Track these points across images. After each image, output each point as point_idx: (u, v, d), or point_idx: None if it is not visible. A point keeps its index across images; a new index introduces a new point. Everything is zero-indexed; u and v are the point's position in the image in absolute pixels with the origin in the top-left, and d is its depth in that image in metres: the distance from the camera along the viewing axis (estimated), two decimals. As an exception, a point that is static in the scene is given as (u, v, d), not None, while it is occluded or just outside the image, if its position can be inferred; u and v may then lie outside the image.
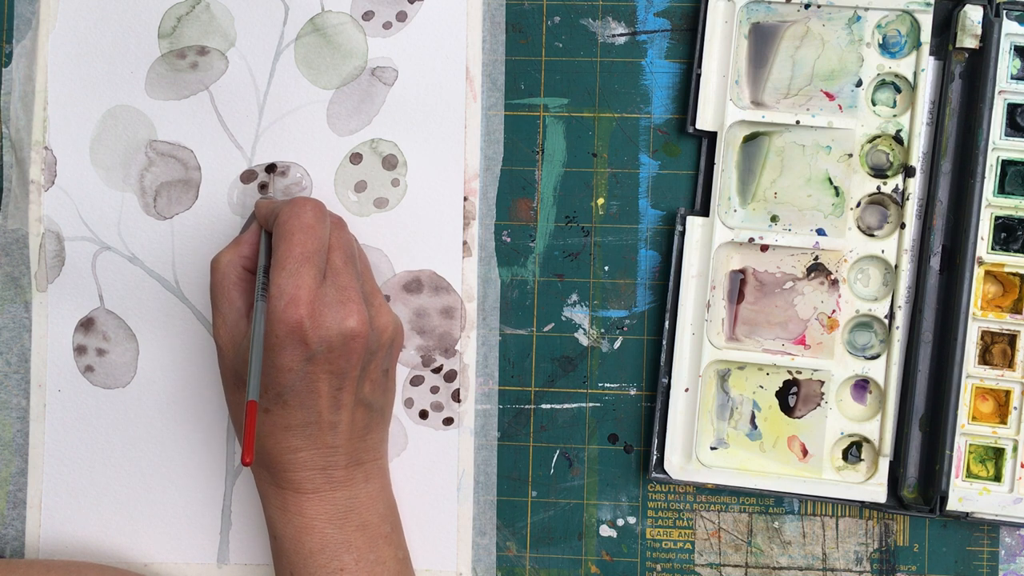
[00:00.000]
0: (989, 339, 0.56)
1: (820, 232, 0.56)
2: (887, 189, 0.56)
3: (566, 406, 0.58)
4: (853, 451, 0.57)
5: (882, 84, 0.56)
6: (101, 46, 0.58)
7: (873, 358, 0.56)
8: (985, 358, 0.56)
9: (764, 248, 0.57)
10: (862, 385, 0.57)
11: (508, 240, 0.58)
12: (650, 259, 0.58)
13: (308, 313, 0.49)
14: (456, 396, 0.58)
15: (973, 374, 0.55)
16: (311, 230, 0.50)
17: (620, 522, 0.58)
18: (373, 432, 0.53)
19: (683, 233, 0.57)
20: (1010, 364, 0.56)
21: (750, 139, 0.57)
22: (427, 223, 0.58)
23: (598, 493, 0.58)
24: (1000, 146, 0.55)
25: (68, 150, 0.58)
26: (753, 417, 0.57)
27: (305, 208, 0.51)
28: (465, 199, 0.58)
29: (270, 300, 0.49)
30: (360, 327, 0.50)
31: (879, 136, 0.56)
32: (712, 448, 0.57)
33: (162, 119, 0.58)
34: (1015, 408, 0.55)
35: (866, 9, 0.55)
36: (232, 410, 0.53)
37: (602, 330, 0.58)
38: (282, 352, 0.49)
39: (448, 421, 0.58)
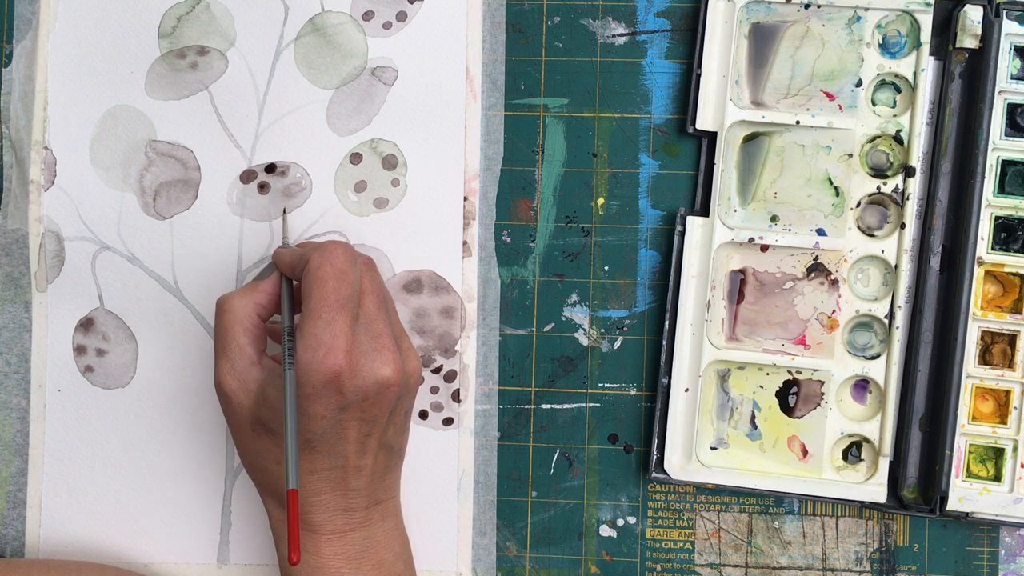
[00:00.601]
0: (989, 339, 0.56)
1: (820, 232, 0.56)
2: (887, 189, 0.56)
3: (566, 406, 0.58)
4: (853, 451, 0.57)
5: (882, 84, 0.56)
6: (101, 46, 0.58)
7: (873, 358, 0.56)
8: (985, 358, 0.56)
9: (764, 248, 0.57)
10: (862, 385, 0.57)
11: (508, 240, 0.58)
12: (650, 259, 0.58)
13: (346, 363, 0.48)
14: (456, 396, 0.58)
15: (973, 374, 0.55)
16: (344, 276, 0.49)
17: (620, 522, 0.58)
18: (391, 472, 0.53)
19: (683, 233, 0.57)
20: (1010, 364, 0.56)
21: (750, 139, 0.57)
22: (427, 223, 0.58)
23: (598, 493, 0.58)
24: (1000, 146, 0.55)
25: (68, 150, 0.58)
26: (753, 417, 0.57)
27: (336, 253, 0.49)
28: (465, 199, 0.58)
29: (305, 350, 0.47)
30: (395, 376, 0.49)
31: (879, 136, 0.56)
32: (712, 448, 0.57)
33: (162, 119, 0.58)
34: (1015, 408, 0.55)
35: (866, 9, 0.55)
36: (247, 455, 0.51)
37: (602, 330, 0.58)
38: (316, 401, 0.48)
39: (448, 421, 0.58)
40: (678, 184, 0.58)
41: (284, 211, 0.57)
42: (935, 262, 0.56)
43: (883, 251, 0.56)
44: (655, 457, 0.57)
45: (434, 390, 0.58)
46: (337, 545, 0.50)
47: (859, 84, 0.56)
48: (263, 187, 0.58)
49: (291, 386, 0.48)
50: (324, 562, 0.50)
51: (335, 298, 0.48)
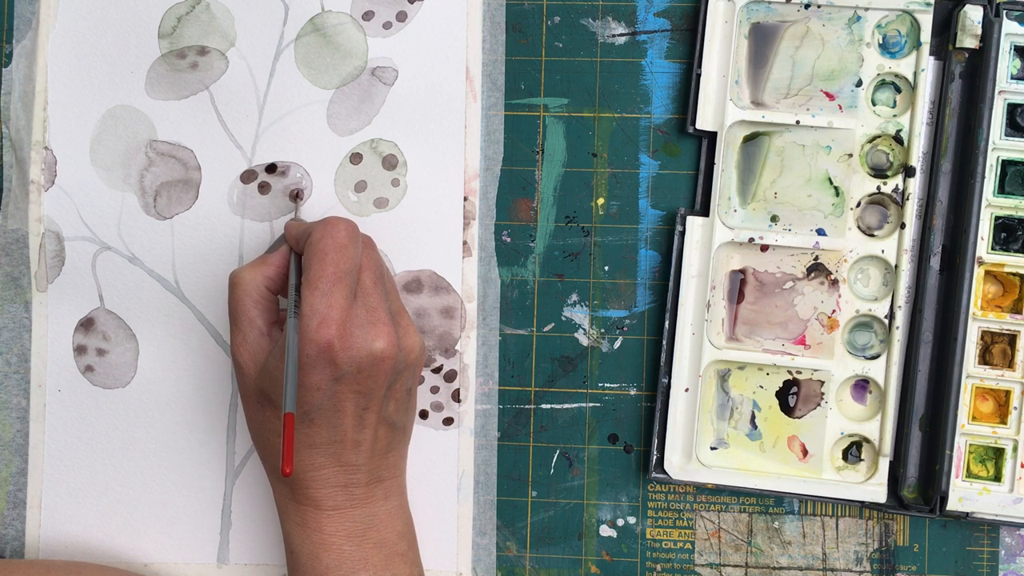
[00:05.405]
0: (989, 339, 0.56)
1: (820, 232, 0.56)
2: (887, 189, 0.56)
3: (566, 406, 0.58)
4: (853, 451, 0.57)
5: (882, 84, 0.56)
6: (101, 46, 0.58)
7: (873, 358, 0.56)
8: (985, 358, 0.56)
9: (764, 248, 0.57)
10: (862, 385, 0.57)
11: (508, 240, 0.58)
12: (650, 259, 0.58)
13: (338, 334, 0.49)
14: (456, 396, 0.58)
15: (973, 374, 0.55)
16: (344, 250, 0.50)
17: (620, 522, 0.58)
18: (394, 450, 0.53)
19: (683, 233, 0.57)
20: (1010, 364, 0.56)
21: (750, 139, 0.57)
22: (427, 223, 0.58)
23: (598, 493, 0.58)
24: (1000, 146, 0.55)
25: (68, 150, 0.58)
26: (753, 417, 0.57)
27: (339, 228, 0.50)
28: (465, 199, 0.58)
29: (302, 319, 0.49)
30: (389, 349, 0.50)
31: (879, 136, 0.56)
32: (712, 448, 0.57)
33: (162, 119, 0.58)
34: (1015, 408, 0.55)
35: (866, 9, 0.55)
36: (253, 427, 0.53)
37: (602, 330, 0.58)
38: (311, 371, 0.49)
39: (448, 421, 0.58)
40: (678, 184, 0.58)
41: (299, 194, 0.58)
42: (935, 262, 0.56)
43: (883, 251, 0.56)
44: (655, 457, 0.57)
45: (434, 390, 0.58)
46: (338, 522, 0.51)
47: (859, 84, 0.56)
48: (263, 187, 0.58)
49: (295, 332, 0.49)
50: (326, 538, 0.51)
51: (334, 271, 0.49)
